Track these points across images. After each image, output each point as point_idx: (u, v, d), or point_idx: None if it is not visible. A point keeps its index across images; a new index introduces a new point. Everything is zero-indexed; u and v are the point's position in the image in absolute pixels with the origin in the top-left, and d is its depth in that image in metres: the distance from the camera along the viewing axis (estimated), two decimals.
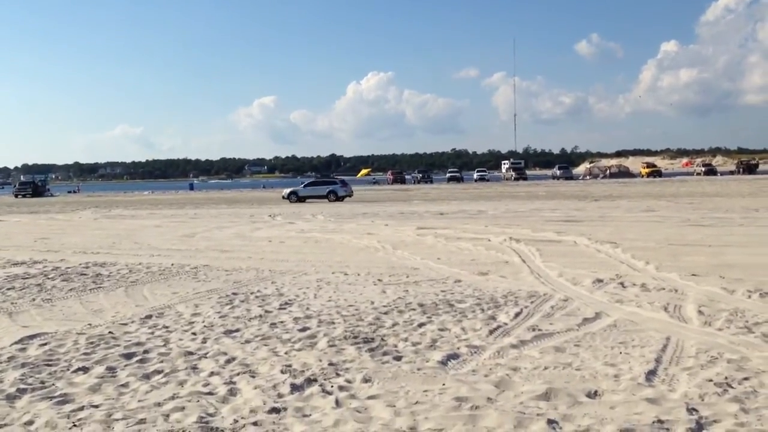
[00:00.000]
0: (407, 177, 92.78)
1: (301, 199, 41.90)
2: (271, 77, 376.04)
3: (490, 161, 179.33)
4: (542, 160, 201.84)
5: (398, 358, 6.08)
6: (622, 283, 9.54)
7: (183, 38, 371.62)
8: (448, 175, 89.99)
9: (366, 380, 5.45)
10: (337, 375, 5.62)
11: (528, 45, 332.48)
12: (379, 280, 10.54)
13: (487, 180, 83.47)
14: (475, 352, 6.23)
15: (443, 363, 5.89)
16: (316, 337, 6.96)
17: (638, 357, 5.96)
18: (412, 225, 20.27)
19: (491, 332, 6.97)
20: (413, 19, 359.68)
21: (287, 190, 44.50)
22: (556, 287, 9.43)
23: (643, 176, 76.29)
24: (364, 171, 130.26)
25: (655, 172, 76.91)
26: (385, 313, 8.03)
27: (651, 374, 5.45)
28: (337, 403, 4.96)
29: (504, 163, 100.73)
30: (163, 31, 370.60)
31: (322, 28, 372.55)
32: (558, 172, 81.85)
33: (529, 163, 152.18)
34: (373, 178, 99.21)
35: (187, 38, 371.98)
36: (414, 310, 8.19)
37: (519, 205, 31.00)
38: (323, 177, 55.63)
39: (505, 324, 7.31)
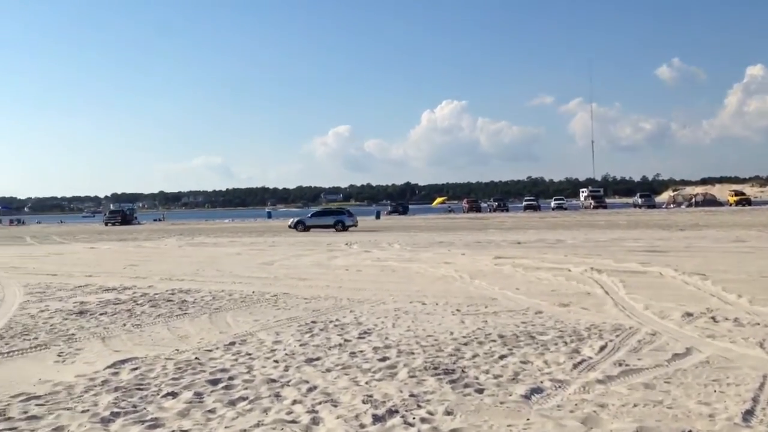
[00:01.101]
0: (482, 205, 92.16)
1: (307, 228, 43.34)
2: (346, 107, 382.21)
3: (567, 189, 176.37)
4: (622, 187, 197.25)
5: (480, 391, 6.01)
6: (713, 318, 9.16)
7: (260, 70, 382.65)
8: (524, 203, 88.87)
9: (448, 413, 5.40)
10: (419, 407, 5.60)
11: (605, 70, 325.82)
12: (457, 310, 10.47)
13: (565, 208, 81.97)
14: (560, 387, 6.09)
15: (526, 397, 5.79)
16: (396, 367, 6.96)
17: (733, 396, 5.69)
18: (489, 254, 20.09)
19: (575, 366, 6.80)
20: (487, 47, 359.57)
21: (294, 220, 45.59)
22: (643, 321, 9.14)
23: (730, 204, 73.34)
24: (439, 199, 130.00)
25: (744, 200, 73.77)
26: (465, 344, 7.96)
27: (748, 414, 5.20)
28: None
29: (582, 191, 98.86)
30: (241, 64, 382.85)
31: (396, 58, 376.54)
32: (639, 200, 79.59)
33: (608, 190, 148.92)
34: (449, 207, 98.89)
35: (265, 70, 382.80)
36: (494, 341, 8.09)
37: (599, 234, 30.29)
38: (337, 208, 57.22)
39: (590, 358, 7.13)
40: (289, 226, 45.32)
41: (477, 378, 6.45)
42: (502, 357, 7.28)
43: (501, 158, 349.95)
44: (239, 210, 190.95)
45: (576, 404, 5.57)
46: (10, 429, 5.25)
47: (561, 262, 16.91)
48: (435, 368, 6.83)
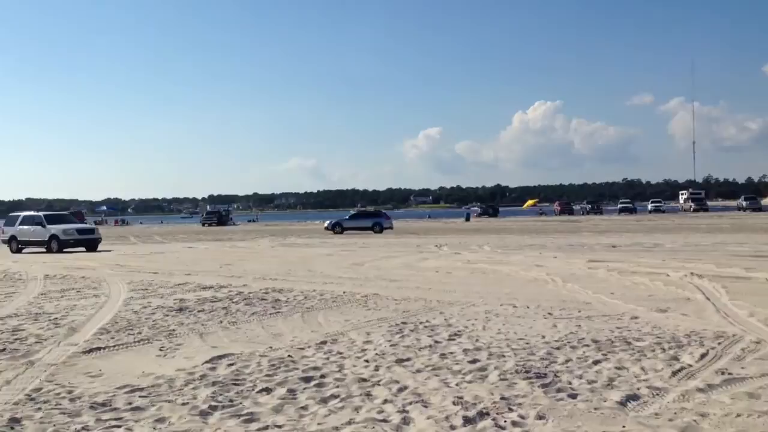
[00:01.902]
0: (575, 208, 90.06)
1: (343, 231, 44.42)
2: (437, 109, 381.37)
3: (666, 191, 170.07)
4: (725, 190, 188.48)
5: (573, 396, 5.87)
6: None
7: (351, 73, 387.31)
8: (619, 205, 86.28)
9: (540, 417, 5.31)
10: (510, 410, 5.52)
11: (708, 68, 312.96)
12: (549, 313, 10.27)
13: (663, 211, 79.11)
14: (658, 394, 5.87)
15: (622, 404, 5.61)
16: (487, 369, 6.89)
17: None
18: (583, 257, 19.61)
19: (674, 374, 6.54)
20: (582, 46, 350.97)
21: (331, 221, 46.43)
22: (747, 328, 8.69)
23: None
24: (530, 202, 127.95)
25: None
26: (557, 348, 7.79)
27: None
28: None
29: (682, 194, 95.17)
30: (332, 67, 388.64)
31: (488, 59, 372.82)
32: (744, 203, 75.93)
33: (710, 193, 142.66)
34: (540, 209, 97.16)
35: (356, 73, 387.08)
36: (588, 346, 7.88)
37: (700, 238, 29.05)
38: (373, 209, 57.90)
39: (690, 366, 6.84)
40: (326, 228, 45.85)
41: (570, 383, 6.30)
42: (596, 362, 7.09)
43: (595, 160, 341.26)
44: (330, 212, 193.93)
45: (675, 413, 5.36)
46: (116, 419, 5.51)
47: (659, 267, 16.30)
48: (526, 372, 6.73)
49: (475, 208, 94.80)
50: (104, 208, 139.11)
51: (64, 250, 30.56)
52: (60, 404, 5.94)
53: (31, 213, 34.58)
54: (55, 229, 31.31)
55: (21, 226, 32.65)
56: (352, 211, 55.36)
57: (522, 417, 5.33)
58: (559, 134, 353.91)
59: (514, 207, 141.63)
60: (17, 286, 15.83)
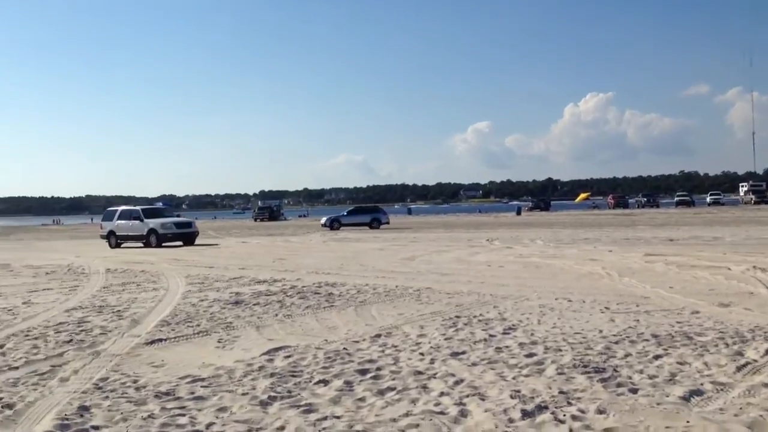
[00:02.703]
0: (630, 201, 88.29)
1: (341, 227, 44.65)
2: (486, 103, 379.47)
3: (724, 184, 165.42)
4: None
5: (634, 391, 5.77)
6: None
7: (399, 68, 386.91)
8: (676, 198, 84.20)
9: (600, 411, 5.24)
10: (569, 404, 5.46)
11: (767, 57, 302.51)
12: (606, 307, 10.11)
13: (722, 204, 77.01)
14: (722, 390, 5.73)
15: (685, 399, 5.49)
16: (544, 363, 6.83)
17: None
18: (639, 251, 19.24)
19: (739, 369, 6.38)
20: (634, 36, 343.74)
21: (329, 218, 46.16)
22: None
23: None
24: (582, 195, 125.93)
25: None
26: (616, 343, 7.67)
27: None
28: None
29: (742, 186, 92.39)
30: (379, 64, 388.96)
31: (538, 51, 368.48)
32: None
33: None
34: (593, 203, 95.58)
35: (403, 68, 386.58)
36: (647, 341, 7.73)
37: (762, 231, 28.18)
38: (372, 206, 58.67)
39: (755, 361, 6.66)
40: (323, 225, 45.82)
41: (630, 377, 6.19)
42: (656, 357, 6.95)
43: (650, 152, 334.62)
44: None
45: (741, 408, 5.22)
46: (179, 408, 5.65)
47: (719, 260, 15.89)
48: (585, 366, 6.64)
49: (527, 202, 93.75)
50: (160, 204, 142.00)
51: (163, 244, 30.42)
52: (126, 393, 6.12)
53: (129, 207, 34.25)
54: (153, 223, 31.07)
55: (119, 221, 32.37)
56: (350, 208, 55.56)
57: (582, 411, 5.27)
58: (611, 126, 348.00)
59: (566, 200, 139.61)
60: (80, 279, 16.33)
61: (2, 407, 5.73)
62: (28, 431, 5.13)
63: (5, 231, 62.01)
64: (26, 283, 15.83)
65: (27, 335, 9.07)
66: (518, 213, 73.32)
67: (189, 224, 32.75)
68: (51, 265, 20.69)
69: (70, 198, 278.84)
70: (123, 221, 32.19)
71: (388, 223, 47.37)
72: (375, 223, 46.07)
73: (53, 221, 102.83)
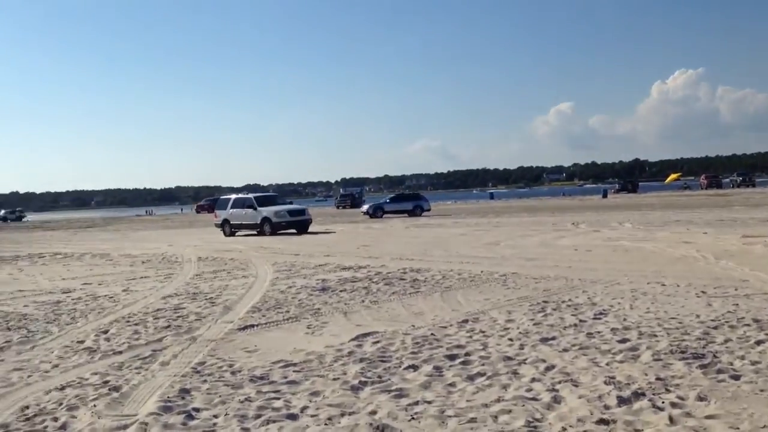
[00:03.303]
0: (724, 181, 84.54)
1: (384, 214, 43.61)
2: (568, 84, 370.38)
3: None
4: None
5: (736, 377, 5.54)
6: None
7: (476, 53, 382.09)
8: None
9: (701, 398, 5.06)
10: (667, 391, 5.30)
11: None
12: (702, 291, 9.74)
13: None
14: None
15: None
16: (638, 349, 6.65)
17: None
18: (736, 233, 18.43)
19: None
20: (726, 7, 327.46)
21: (370, 205, 44.64)
22: None
23: None
24: (673, 176, 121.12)
25: None
26: (714, 328, 7.38)
27: None
28: (671, 420, 4.68)
29: None
30: (457, 49, 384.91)
31: (621, 28, 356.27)
32: None
33: None
34: (684, 183, 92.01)
35: (481, 50, 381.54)
36: (748, 326, 7.41)
37: None
38: (413, 193, 57.33)
39: None
40: (365, 213, 45.29)
41: (731, 364, 5.95)
42: (758, 342, 6.66)
43: (745, 129, 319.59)
44: (460, 191, 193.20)
45: None
46: (274, 391, 5.81)
47: None
48: (682, 352, 6.42)
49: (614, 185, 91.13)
50: (223, 196, 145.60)
51: (278, 233, 29.67)
52: (223, 377, 6.34)
53: (242, 196, 33.01)
54: (266, 211, 30.13)
55: (233, 210, 31.67)
56: (392, 195, 55.02)
57: (681, 398, 5.10)
58: (702, 103, 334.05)
59: (655, 182, 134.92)
60: (174, 268, 16.97)
61: (109, 390, 6.04)
62: (134, 412, 5.38)
63: (103, 222, 65.07)
64: (125, 271, 16.57)
65: (128, 321, 9.51)
66: (604, 195, 71.37)
67: (302, 212, 31.24)
68: (146, 254, 21.57)
69: (161, 189, 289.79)
70: (236, 210, 31.48)
71: (429, 210, 46.91)
72: (417, 210, 45.62)
73: (146, 212, 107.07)
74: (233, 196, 33.22)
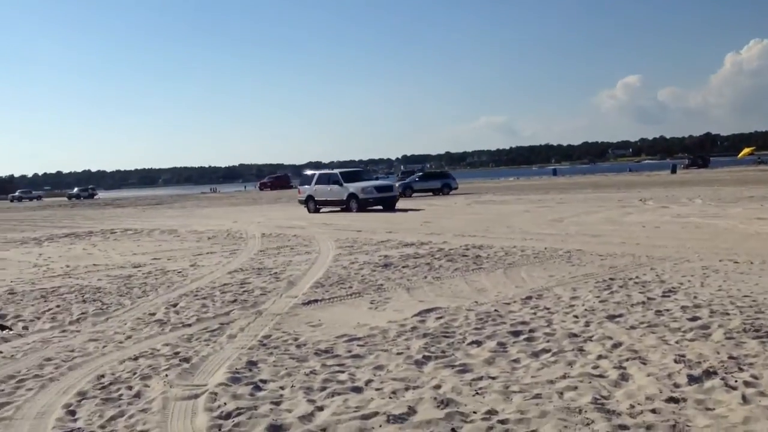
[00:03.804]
0: None
1: (413, 192, 42.80)
2: (636, 56, 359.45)
3: None
4: None
5: None
6: None
7: (540, 26, 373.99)
8: None
9: None
10: (740, 370, 5.14)
11: None
12: None
13: None
14: None
15: None
16: (710, 327, 6.46)
17: None
18: None
19: None
20: None
21: (397, 184, 39.74)
22: None
23: None
24: (746, 150, 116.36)
25: None
26: None
27: None
28: (744, 399, 4.54)
29: None
30: (520, 23, 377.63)
31: None
32: None
33: None
34: (758, 158, 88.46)
35: (545, 23, 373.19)
36: None
37: None
38: (441, 171, 56.55)
39: None
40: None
41: None
42: None
43: None
44: (523, 168, 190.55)
45: None
46: (339, 365, 5.88)
47: None
48: (756, 330, 6.21)
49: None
50: (307, 171, 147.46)
51: (366, 209, 28.75)
52: (288, 350, 6.45)
53: (327, 171, 32.47)
54: (353, 187, 29.12)
55: (317, 186, 30.75)
56: (420, 173, 53.73)
57: (755, 377, 4.94)
58: None
59: (727, 157, 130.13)
60: (239, 243, 17.31)
61: (180, 360, 6.22)
62: (204, 383, 5.54)
63: (170, 199, 66.83)
64: (191, 247, 16.99)
65: (196, 295, 9.76)
66: (673, 171, 69.31)
67: (390, 187, 30.11)
68: (212, 231, 22.07)
69: (226, 167, 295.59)
70: (321, 186, 30.56)
71: (457, 188, 46.44)
72: (446, 189, 45.04)
73: (210, 189, 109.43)
74: (317, 172, 32.39)
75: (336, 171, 31.60)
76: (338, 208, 29.90)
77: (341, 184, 29.66)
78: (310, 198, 31.05)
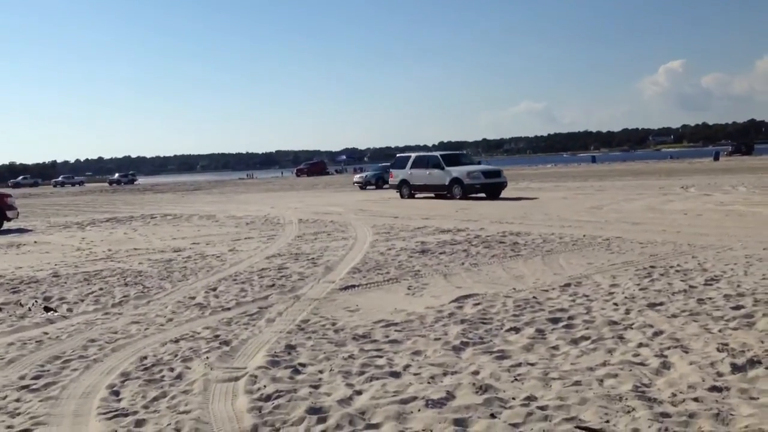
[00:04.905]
0: None
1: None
2: (679, 40, 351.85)
3: None
4: None
5: None
6: None
7: (581, 10, 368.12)
8: None
9: None
10: None
11: None
12: None
13: None
14: None
15: None
16: (754, 316, 6.33)
17: None
18: None
19: None
20: None
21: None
22: None
23: None
24: None
25: None
26: None
27: None
28: None
29: None
30: (559, 8, 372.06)
31: None
32: None
33: None
34: None
35: (587, 10, 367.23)
36: None
37: None
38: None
39: None
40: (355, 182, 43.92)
41: None
42: None
43: None
44: (562, 155, 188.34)
45: None
46: (376, 350, 5.91)
47: None
48: None
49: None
50: (344, 157, 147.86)
51: (469, 196, 26.02)
52: (326, 334, 6.50)
53: (424, 154, 29.90)
54: (456, 172, 26.41)
55: (413, 170, 28.52)
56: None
57: None
58: None
59: None
60: (276, 229, 17.45)
61: (220, 343, 6.31)
62: (244, 365, 5.61)
63: (208, 185, 67.64)
64: (230, 232, 17.18)
65: (235, 279, 9.88)
66: (716, 158, 67.86)
67: (498, 173, 26.92)
68: (250, 216, 22.27)
69: (262, 153, 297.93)
70: (417, 170, 28.20)
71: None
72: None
73: (247, 175, 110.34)
74: (413, 154, 29.83)
75: (436, 153, 29.08)
76: (431, 194, 27.89)
77: (442, 168, 26.99)
78: (404, 182, 29.03)
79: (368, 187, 42.14)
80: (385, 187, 32.95)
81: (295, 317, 7.29)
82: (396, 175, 29.69)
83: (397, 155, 31.49)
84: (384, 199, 29.37)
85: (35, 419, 4.61)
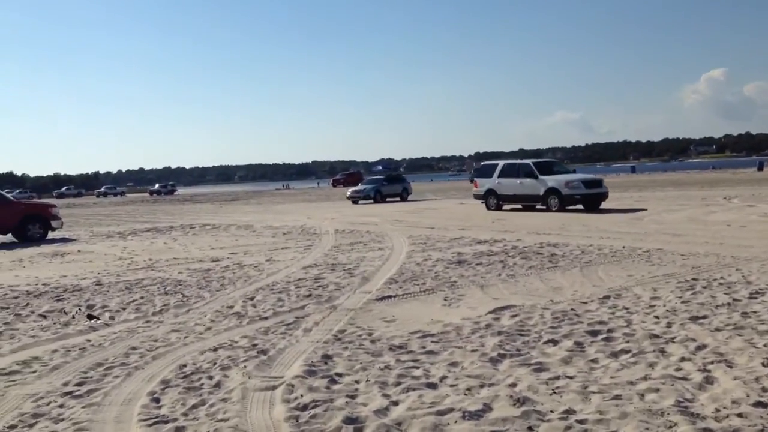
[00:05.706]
0: None
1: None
2: (721, 48, 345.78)
3: None
4: None
5: None
6: None
7: (619, 17, 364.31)
8: None
9: None
10: None
11: None
12: None
13: None
14: None
15: None
16: None
17: None
18: None
19: None
20: None
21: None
22: None
23: None
24: None
25: None
26: None
27: None
28: None
29: None
30: (596, 14, 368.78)
31: None
32: None
33: None
34: None
35: (626, 16, 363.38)
36: None
37: None
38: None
39: None
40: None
41: None
42: None
43: None
44: (598, 165, 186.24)
45: None
46: (413, 360, 5.90)
47: None
48: None
49: None
50: (380, 167, 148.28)
51: (567, 208, 23.80)
52: (363, 345, 6.50)
53: (515, 161, 27.23)
54: (553, 181, 24.20)
55: (501, 179, 26.13)
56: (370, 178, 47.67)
57: None
58: None
59: None
60: (313, 239, 17.55)
61: (258, 352, 6.36)
62: (281, 374, 5.64)
63: (246, 195, 68.30)
64: (267, 242, 17.33)
65: (272, 289, 9.95)
66: (760, 168, 66.33)
67: (599, 183, 24.68)
68: (287, 226, 22.44)
69: (299, 164, 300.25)
70: (506, 179, 25.87)
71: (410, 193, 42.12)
72: (404, 194, 41.11)
73: (283, 186, 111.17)
74: (501, 162, 27.55)
75: (528, 161, 26.51)
76: (520, 205, 25.81)
77: (536, 177, 24.65)
78: (490, 192, 26.63)
79: (363, 202, 39.07)
80: (474, 196, 28.33)
81: (331, 327, 7.31)
82: (481, 185, 27.32)
83: (483, 163, 29.42)
84: (419, 209, 29.34)
85: (78, 425, 4.70)
